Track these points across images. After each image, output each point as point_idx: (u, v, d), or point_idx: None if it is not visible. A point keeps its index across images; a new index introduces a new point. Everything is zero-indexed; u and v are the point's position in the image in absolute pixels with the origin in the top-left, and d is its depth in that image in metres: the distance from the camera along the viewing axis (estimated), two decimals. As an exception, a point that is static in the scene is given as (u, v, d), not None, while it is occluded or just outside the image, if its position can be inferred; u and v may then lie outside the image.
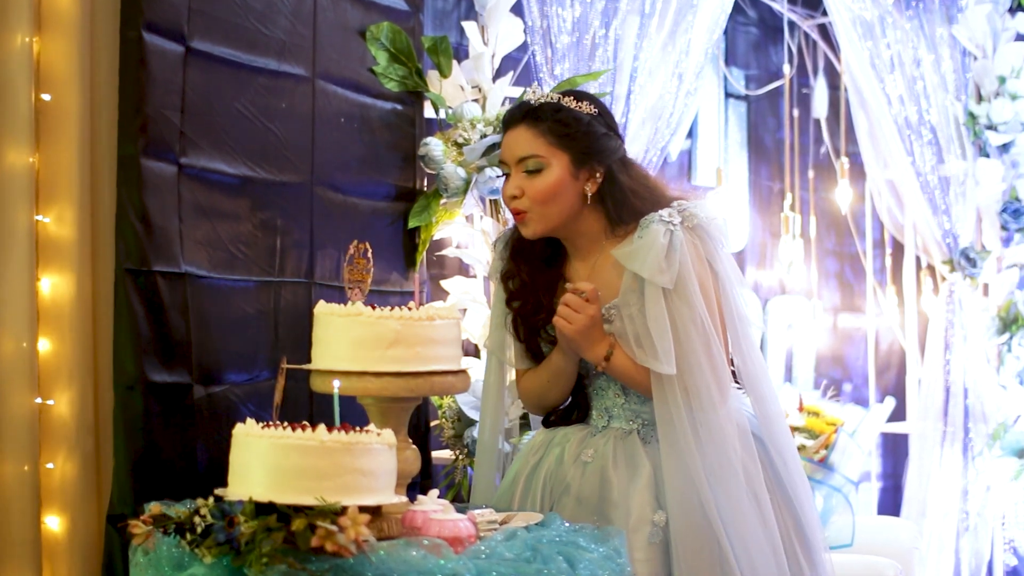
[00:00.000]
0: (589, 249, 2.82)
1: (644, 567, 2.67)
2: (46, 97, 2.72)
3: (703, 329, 2.69)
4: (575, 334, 2.72)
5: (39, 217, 2.72)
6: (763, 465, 2.75)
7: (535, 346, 2.87)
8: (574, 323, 2.72)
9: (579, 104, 2.78)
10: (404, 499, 2.47)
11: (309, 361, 2.62)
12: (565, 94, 2.80)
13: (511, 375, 2.98)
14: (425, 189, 3.53)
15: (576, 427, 2.87)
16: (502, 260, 2.92)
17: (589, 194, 2.77)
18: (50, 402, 2.72)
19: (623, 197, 2.77)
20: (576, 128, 2.75)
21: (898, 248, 5.60)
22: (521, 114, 2.79)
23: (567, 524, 2.58)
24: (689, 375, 2.68)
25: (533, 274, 2.87)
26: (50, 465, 2.71)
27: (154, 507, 2.32)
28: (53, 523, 2.71)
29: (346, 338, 2.55)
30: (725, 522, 2.64)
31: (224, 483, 2.31)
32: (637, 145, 3.84)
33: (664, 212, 2.73)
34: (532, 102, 2.79)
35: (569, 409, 2.90)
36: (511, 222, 3.57)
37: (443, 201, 3.51)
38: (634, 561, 2.64)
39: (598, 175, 2.77)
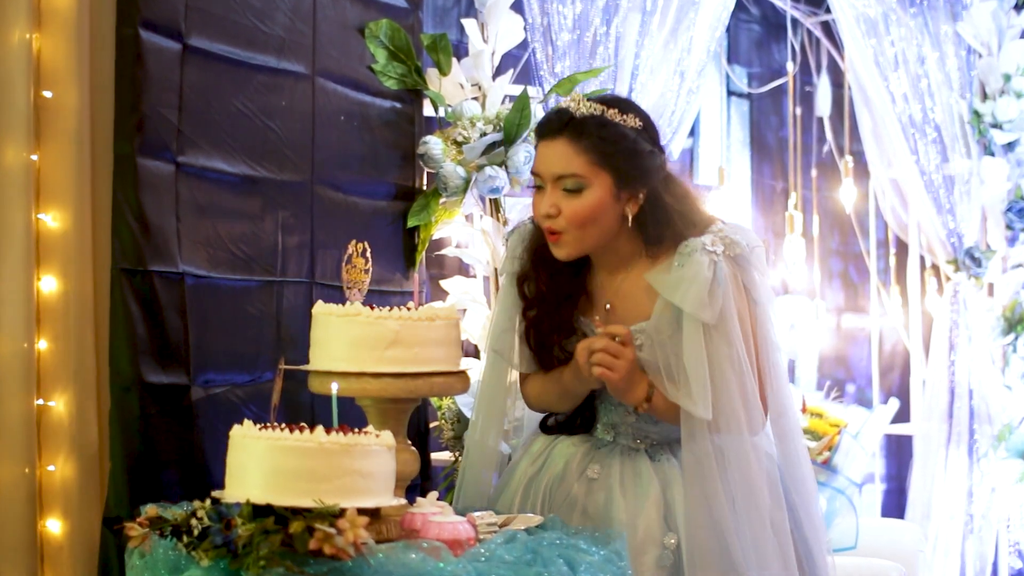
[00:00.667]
0: (619, 267, 2.69)
1: None
2: (47, 94, 2.72)
3: (740, 367, 2.57)
4: (620, 382, 2.58)
5: (38, 216, 2.72)
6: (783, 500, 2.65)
7: (546, 357, 2.76)
8: (617, 371, 2.57)
9: (624, 117, 2.61)
10: (403, 501, 2.47)
11: (309, 362, 2.62)
12: (609, 104, 2.62)
13: (513, 375, 2.88)
14: (424, 188, 3.53)
15: (579, 437, 2.78)
16: (517, 259, 2.76)
17: (630, 216, 2.62)
18: (51, 403, 2.72)
19: (665, 219, 2.63)
20: (622, 146, 2.59)
21: (902, 248, 5.60)
22: (561, 125, 2.60)
23: (567, 527, 2.58)
24: (721, 413, 2.56)
25: (554, 285, 2.72)
26: (51, 467, 2.71)
27: (150, 509, 2.32)
28: (51, 526, 2.71)
29: (344, 339, 2.55)
30: (745, 551, 2.56)
31: (221, 485, 2.31)
32: (639, 144, 3.84)
33: (707, 239, 2.59)
34: (574, 112, 2.60)
35: (572, 417, 2.81)
36: (512, 221, 3.59)
37: (442, 200, 3.51)
38: None
39: (640, 196, 2.62)
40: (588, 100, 2.63)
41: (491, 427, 2.86)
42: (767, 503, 2.59)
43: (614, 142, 2.59)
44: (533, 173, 2.67)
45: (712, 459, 2.58)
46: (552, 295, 2.72)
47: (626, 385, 2.60)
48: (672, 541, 2.63)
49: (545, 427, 2.86)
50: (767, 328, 2.66)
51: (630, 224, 2.63)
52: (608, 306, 2.70)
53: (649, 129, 2.66)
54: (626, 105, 2.66)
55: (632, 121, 2.62)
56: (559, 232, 2.62)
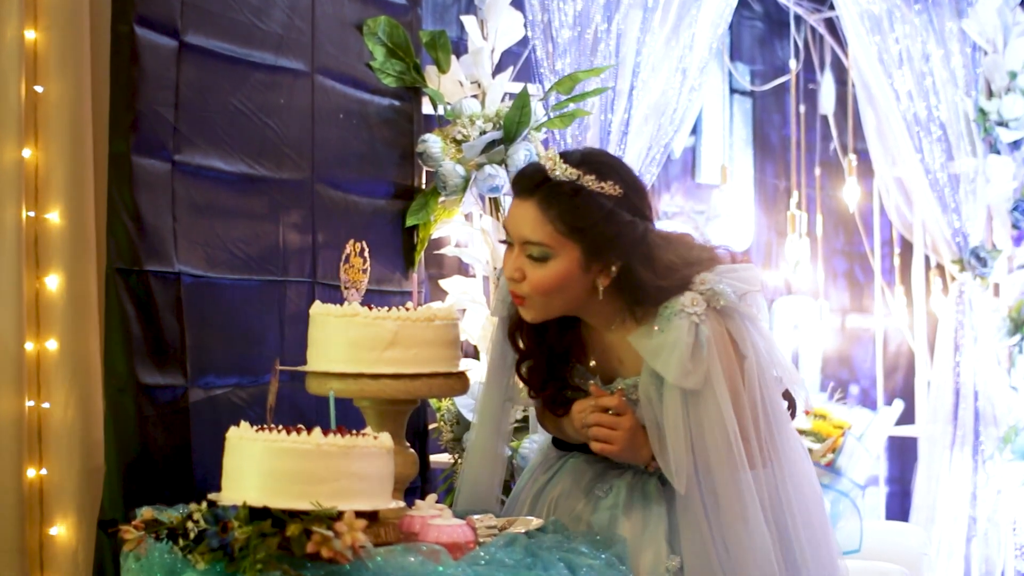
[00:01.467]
0: (605, 322, 2.60)
1: None
2: (38, 89, 2.71)
3: (727, 429, 2.49)
4: (621, 452, 2.57)
5: (29, 213, 2.72)
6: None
7: (548, 402, 2.69)
8: (616, 443, 2.55)
9: (602, 185, 2.48)
10: (402, 504, 2.47)
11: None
12: (589, 169, 2.49)
13: (513, 378, 2.81)
14: (423, 187, 3.53)
15: (588, 455, 2.72)
16: (509, 304, 2.65)
17: (601, 288, 2.52)
18: (45, 405, 2.72)
19: (640, 290, 2.51)
20: (594, 218, 2.46)
21: (907, 247, 5.60)
22: (534, 185, 2.49)
23: (567, 530, 2.58)
24: (707, 475, 2.50)
25: (542, 339, 2.64)
26: (43, 471, 2.71)
27: (146, 512, 2.32)
28: (47, 529, 2.71)
29: (342, 339, 2.55)
30: None
31: (218, 487, 2.31)
32: (640, 142, 3.84)
33: (687, 299, 2.49)
34: (549, 173, 2.49)
35: (583, 444, 2.73)
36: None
37: (442, 199, 3.51)
38: None
39: (613, 269, 2.51)
40: (566, 162, 2.50)
41: (492, 431, 2.84)
42: (765, 543, 2.53)
43: (586, 213, 2.47)
44: (504, 227, 2.58)
45: (702, 508, 2.53)
46: (542, 350, 2.65)
47: (629, 453, 2.58)
48: (675, 564, 2.58)
49: (557, 442, 2.82)
50: (761, 386, 2.55)
51: (602, 294, 2.53)
52: (593, 363, 2.64)
53: (631, 195, 2.52)
54: (607, 170, 2.51)
55: (611, 189, 2.49)
56: (523, 297, 2.54)
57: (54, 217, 2.72)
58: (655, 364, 2.51)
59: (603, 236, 2.48)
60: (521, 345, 2.67)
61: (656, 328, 2.51)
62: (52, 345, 2.72)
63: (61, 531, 2.71)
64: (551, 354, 2.66)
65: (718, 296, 2.51)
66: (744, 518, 2.50)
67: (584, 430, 2.59)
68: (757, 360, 2.54)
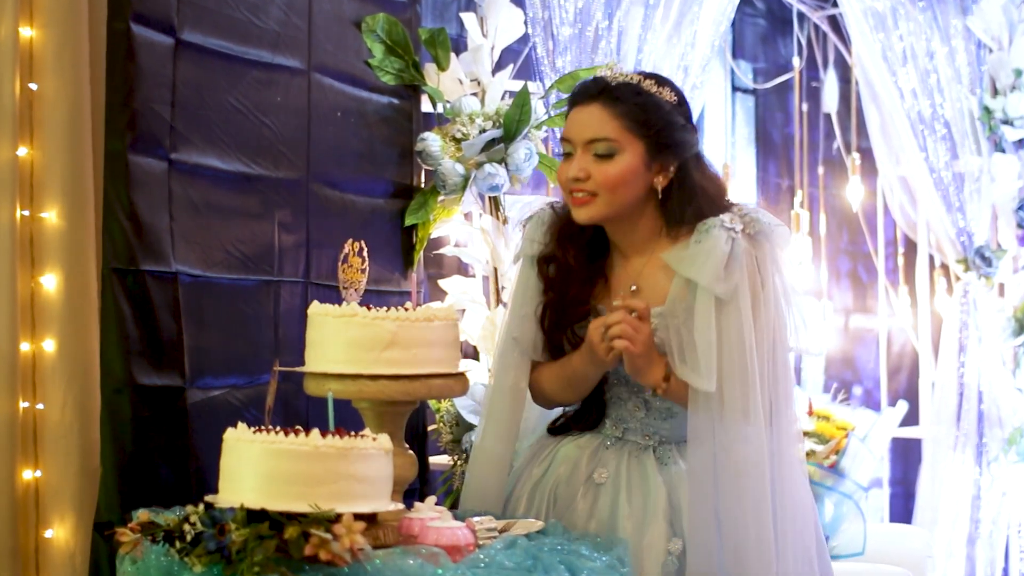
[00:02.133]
0: (638, 249, 2.69)
1: None
2: (33, 87, 2.71)
3: (746, 346, 2.58)
4: (640, 358, 2.58)
5: (24, 212, 2.72)
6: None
7: (557, 341, 2.74)
8: (637, 345, 2.56)
9: (660, 90, 2.64)
10: (401, 506, 2.47)
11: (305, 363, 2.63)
12: (645, 76, 2.66)
13: (525, 379, 2.81)
14: (422, 186, 3.53)
15: (587, 437, 2.78)
16: (537, 242, 2.76)
17: (659, 188, 2.64)
18: (39, 406, 2.72)
19: (691, 196, 2.64)
20: (656, 116, 2.61)
21: (911, 247, 5.61)
22: (596, 91, 2.63)
23: (569, 533, 2.58)
24: (724, 393, 2.57)
25: (579, 262, 2.72)
26: (38, 472, 2.71)
27: (142, 514, 2.32)
28: (42, 532, 2.71)
29: (341, 340, 2.55)
30: (727, 551, 2.57)
31: (215, 489, 2.31)
32: (641, 140, 3.84)
33: (725, 217, 2.60)
34: (610, 80, 2.64)
35: (579, 414, 2.81)
36: (512, 220, 3.59)
37: (441, 198, 3.51)
38: None
39: (671, 169, 2.64)
40: (628, 72, 2.69)
41: (501, 433, 2.81)
42: (768, 506, 2.58)
43: (649, 111, 2.61)
44: (563, 139, 2.68)
45: (710, 457, 2.58)
46: (577, 273, 2.71)
47: (645, 362, 2.60)
48: (677, 547, 2.63)
49: (552, 429, 2.85)
50: (777, 315, 2.65)
51: (659, 196, 2.65)
52: (634, 287, 2.68)
53: (683, 105, 2.69)
54: (662, 79, 2.69)
55: (667, 95, 2.65)
56: (590, 193, 2.63)
57: (50, 216, 2.72)
58: (689, 272, 2.60)
59: (664, 134, 2.62)
60: (552, 273, 2.74)
61: (693, 240, 2.61)
62: (49, 346, 2.72)
63: (56, 533, 2.71)
64: (579, 280, 2.71)
65: (755, 222, 2.63)
66: (745, 437, 2.57)
67: (601, 344, 2.59)
68: (774, 296, 2.63)
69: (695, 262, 2.59)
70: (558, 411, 2.90)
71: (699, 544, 2.59)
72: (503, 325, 2.86)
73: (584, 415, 2.80)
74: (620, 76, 2.65)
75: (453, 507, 3.12)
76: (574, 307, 2.71)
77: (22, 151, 2.70)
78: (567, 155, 2.67)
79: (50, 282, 2.72)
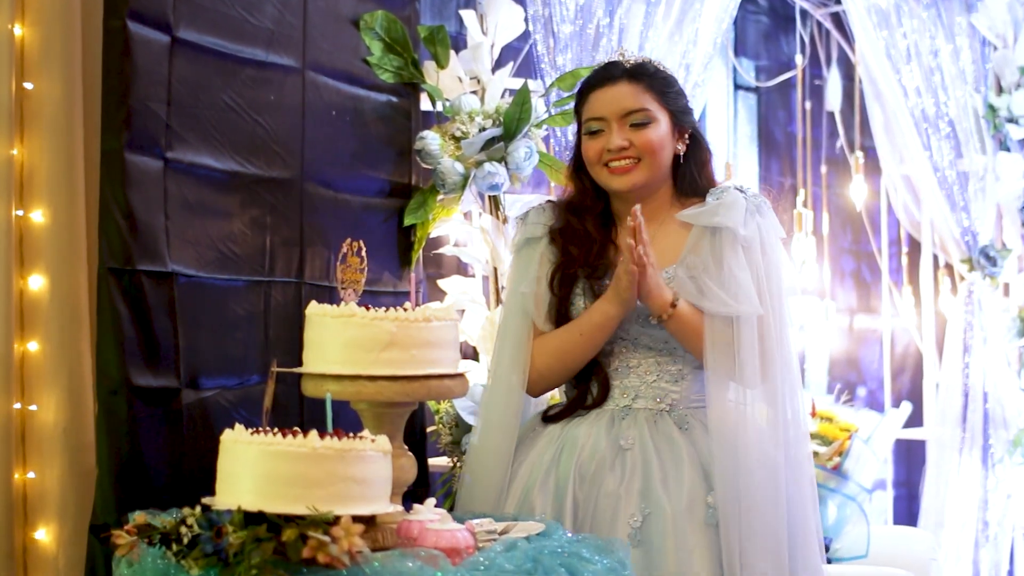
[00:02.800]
0: (651, 216, 2.88)
1: (702, 551, 2.72)
2: (28, 86, 2.71)
3: (763, 288, 2.82)
4: (651, 278, 2.75)
5: (18, 212, 2.72)
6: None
7: (566, 306, 2.89)
8: (648, 267, 2.75)
9: (665, 70, 2.97)
10: (399, 508, 2.47)
11: (300, 364, 2.62)
12: (650, 59, 2.98)
13: (525, 374, 2.93)
14: (421, 185, 3.53)
15: (593, 414, 2.88)
16: (543, 224, 2.98)
17: (681, 154, 2.93)
18: (32, 407, 2.72)
19: (704, 161, 2.95)
20: (673, 89, 2.94)
21: (915, 246, 5.61)
22: (619, 72, 2.92)
23: (569, 534, 2.58)
24: (747, 331, 2.78)
25: (597, 230, 2.93)
26: (31, 474, 2.71)
27: (139, 516, 2.32)
28: (34, 533, 2.71)
29: (339, 340, 2.55)
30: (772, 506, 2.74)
31: (212, 491, 2.31)
32: (643, 139, 3.84)
33: (735, 183, 2.93)
34: (625, 63, 2.93)
35: (581, 395, 2.89)
36: (511, 219, 3.59)
37: (440, 197, 3.51)
38: (688, 547, 2.71)
39: (687, 137, 2.94)
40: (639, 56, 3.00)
41: (503, 426, 2.91)
42: (754, 465, 2.76)
43: (668, 84, 2.93)
44: (591, 120, 2.92)
45: (734, 409, 2.78)
46: (593, 241, 2.91)
47: (656, 284, 2.78)
48: (713, 499, 2.76)
49: (551, 416, 2.93)
50: (779, 285, 2.87)
51: (682, 160, 2.93)
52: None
53: (681, 85, 3.03)
54: (661, 63, 3.00)
55: (670, 74, 2.98)
56: (634, 159, 2.88)
57: (39, 216, 2.72)
58: (712, 220, 2.85)
59: (680, 104, 2.94)
60: (566, 238, 2.93)
61: (710, 199, 2.89)
62: (43, 346, 2.72)
63: (52, 536, 2.71)
64: (591, 245, 2.91)
65: (756, 195, 2.91)
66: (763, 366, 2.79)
67: (629, 249, 2.74)
68: (777, 264, 2.88)
69: (718, 212, 2.85)
70: (542, 403, 3.01)
71: (727, 495, 2.73)
72: (501, 321, 2.99)
73: (585, 394, 2.90)
74: (633, 58, 2.95)
75: (452, 509, 3.12)
76: (594, 268, 2.90)
77: (16, 151, 2.70)
78: (596, 133, 2.91)
79: (45, 282, 2.72)
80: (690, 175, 2.94)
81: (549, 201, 3.06)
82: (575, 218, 2.94)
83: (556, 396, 3.12)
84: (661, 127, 2.89)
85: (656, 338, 2.87)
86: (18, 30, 2.70)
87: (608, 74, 2.93)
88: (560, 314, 2.91)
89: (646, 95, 2.89)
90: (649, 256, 2.75)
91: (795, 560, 2.78)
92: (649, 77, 2.91)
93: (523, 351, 2.92)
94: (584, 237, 2.90)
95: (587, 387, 2.90)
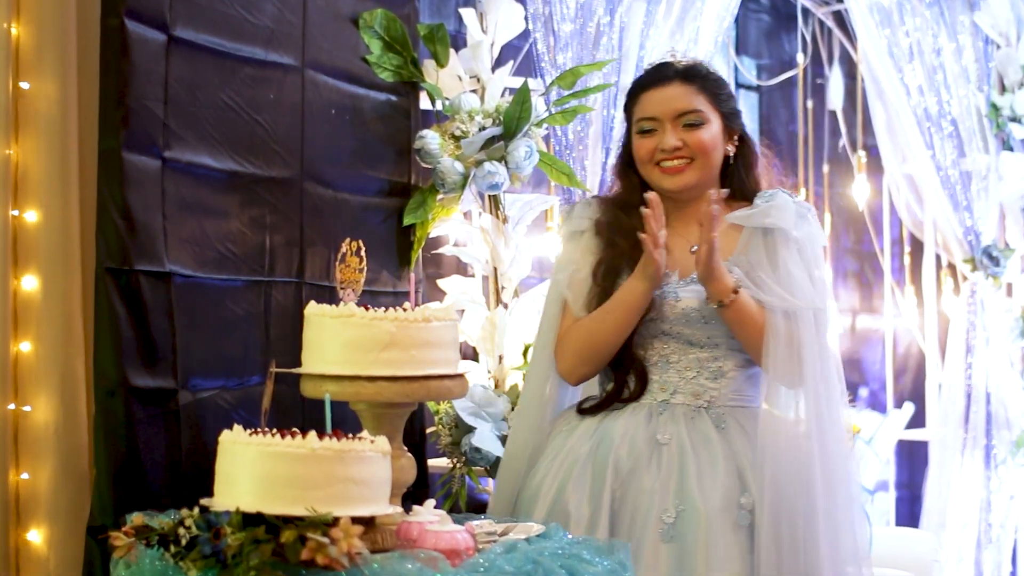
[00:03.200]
0: (695, 219, 2.89)
1: (732, 551, 2.75)
2: (24, 85, 2.71)
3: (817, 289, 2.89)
4: (716, 260, 2.79)
5: (14, 212, 2.72)
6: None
7: (607, 297, 2.91)
8: (715, 243, 2.78)
9: (715, 71, 3.03)
10: (399, 509, 2.47)
11: (299, 364, 2.62)
12: (699, 60, 3.06)
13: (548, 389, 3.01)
14: (421, 184, 3.53)
15: (630, 407, 2.90)
16: (589, 218, 3.01)
17: (731, 155, 2.98)
18: (26, 408, 2.72)
19: (752, 164, 2.99)
20: (724, 91, 2.99)
21: (917, 246, 5.61)
22: (671, 72, 2.97)
23: (570, 536, 2.58)
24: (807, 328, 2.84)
25: (641, 224, 2.91)
26: (25, 475, 2.71)
27: (136, 518, 2.32)
28: (30, 535, 2.71)
29: (338, 340, 2.55)
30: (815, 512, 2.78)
31: (210, 493, 2.31)
32: (643, 138, 3.84)
33: (783, 189, 2.97)
34: (676, 64, 2.99)
35: (618, 387, 2.92)
36: (512, 219, 3.59)
37: (440, 197, 3.51)
38: (719, 546, 2.74)
39: (735, 139, 3.00)
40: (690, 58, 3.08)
41: (534, 427, 2.98)
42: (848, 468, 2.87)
43: (719, 86, 2.99)
44: (644, 119, 2.96)
45: (784, 409, 2.84)
46: (631, 235, 2.89)
47: (719, 267, 2.81)
48: (748, 501, 2.79)
49: (587, 408, 2.95)
50: (823, 288, 2.94)
51: (731, 162, 2.98)
52: (694, 248, 2.86)
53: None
54: (709, 64, 3.08)
55: (721, 75, 3.03)
56: (687, 160, 2.92)
57: (32, 217, 2.72)
58: (765, 221, 2.91)
59: (731, 107, 2.99)
60: (612, 230, 2.97)
61: (760, 202, 2.94)
62: (38, 347, 2.72)
63: (48, 538, 2.71)
64: (634, 253, 2.90)
65: (798, 198, 2.98)
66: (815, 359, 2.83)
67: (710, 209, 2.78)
68: (819, 267, 2.95)
69: (769, 213, 2.90)
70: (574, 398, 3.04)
71: (769, 498, 2.77)
72: (541, 315, 3.04)
73: (622, 387, 2.92)
74: (684, 59, 3.01)
75: (452, 510, 3.12)
76: (637, 262, 2.88)
77: (11, 151, 2.70)
78: (648, 132, 2.95)
79: (40, 282, 2.72)
80: (738, 177, 2.98)
81: (595, 197, 3.13)
82: (623, 213, 2.97)
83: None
84: (713, 128, 2.94)
85: (699, 333, 2.89)
86: (13, 29, 2.70)
87: (661, 75, 2.98)
88: (604, 295, 2.93)
89: (699, 96, 2.94)
90: (714, 241, 2.78)
91: (835, 567, 2.81)
92: (702, 79, 2.96)
93: (552, 375, 3.00)
94: (630, 232, 2.91)
95: (624, 380, 2.92)
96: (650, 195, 2.82)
